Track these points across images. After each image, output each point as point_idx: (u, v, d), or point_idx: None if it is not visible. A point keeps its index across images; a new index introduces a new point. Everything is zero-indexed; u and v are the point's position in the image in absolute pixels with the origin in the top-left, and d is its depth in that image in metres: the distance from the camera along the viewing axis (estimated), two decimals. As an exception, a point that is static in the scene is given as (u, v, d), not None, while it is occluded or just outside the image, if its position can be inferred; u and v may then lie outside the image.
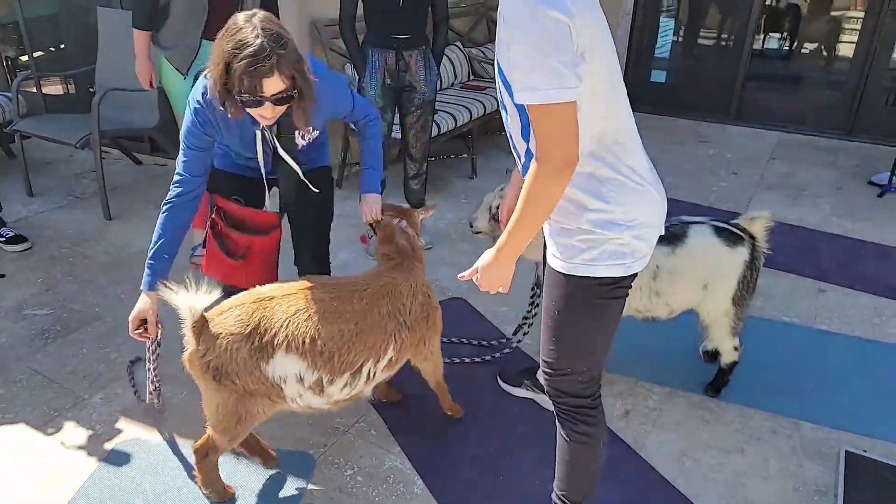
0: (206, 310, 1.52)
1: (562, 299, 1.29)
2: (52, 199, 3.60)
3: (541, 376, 2.07)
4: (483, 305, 2.61)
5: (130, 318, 1.70)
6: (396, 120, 3.00)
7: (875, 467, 1.85)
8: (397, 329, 1.67)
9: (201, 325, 1.50)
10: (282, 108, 1.59)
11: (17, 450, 1.89)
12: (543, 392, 2.07)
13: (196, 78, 1.78)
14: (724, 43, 5.21)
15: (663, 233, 1.32)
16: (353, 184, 3.72)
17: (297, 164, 1.84)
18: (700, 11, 5.25)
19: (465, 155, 4.10)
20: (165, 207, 1.72)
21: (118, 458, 1.87)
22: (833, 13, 4.90)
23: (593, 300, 1.28)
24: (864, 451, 1.91)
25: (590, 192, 1.20)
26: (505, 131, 1.31)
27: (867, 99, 4.69)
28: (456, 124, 3.69)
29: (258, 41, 1.45)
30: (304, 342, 1.52)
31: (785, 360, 2.32)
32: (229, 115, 1.58)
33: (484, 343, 2.40)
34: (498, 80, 1.21)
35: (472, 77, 4.57)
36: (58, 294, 2.68)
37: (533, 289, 2.23)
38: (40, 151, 4.12)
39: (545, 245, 1.36)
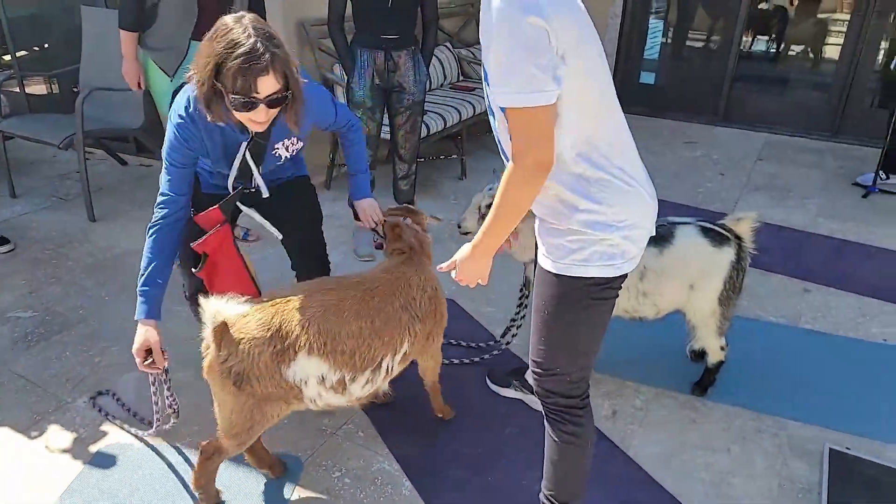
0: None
1: (552, 299, 1.30)
2: (36, 201, 3.55)
3: (529, 377, 2.09)
4: (472, 307, 2.61)
5: (134, 350, 1.62)
6: (385, 121, 3.00)
7: (859, 464, 1.87)
8: (411, 322, 1.68)
9: (223, 330, 1.48)
10: (274, 112, 1.57)
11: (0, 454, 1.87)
12: (532, 392, 2.08)
13: (180, 87, 1.74)
14: (712, 45, 5.25)
15: (654, 234, 1.32)
16: (341, 184, 3.71)
17: (277, 176, 1.82)
18: (688, 13, 5.29)
19: (455, 156, 4.10)
20: (153, 230, 1.66)
21: (102, 461, 1.84)
22: (819, 15, 4.96)
23: (584, 300, 1.28)
24: (848, 448, 1.93)
25: (580, 193, 1.21)
26: (493, 132, 1.31)
27: (853, 100, 4.74)
28: (445, 125, 3.69)
29: (251, 40, 1.44)
30: (325, 343, 1.52)
31: (771, 359, 2.34)
32: (209, 117, 1.54)
33: (472, 345, 2.40)
34: (484, 82, 1.22)
35: (461, 78, 4.58)
36: (41, 296, 2.65)
37: (521, 290, 2.23)
38: (23, 152, 4.07)
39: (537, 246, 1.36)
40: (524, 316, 2.24)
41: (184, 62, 2.58)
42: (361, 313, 1.59)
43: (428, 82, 2.98)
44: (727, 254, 1.92)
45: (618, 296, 1.33)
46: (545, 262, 1.30)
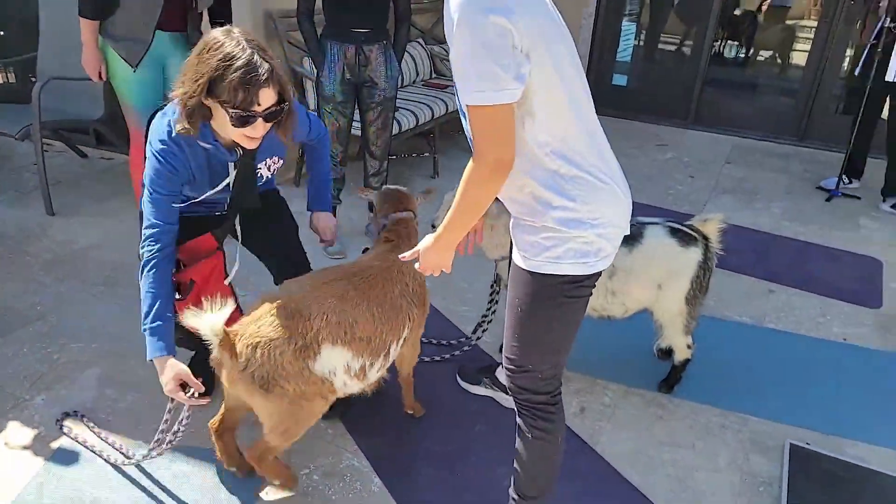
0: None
1: (526, 296, 1.30)
2: (-7, 193, 3.43)
3: (500, 374, 2.09)
4: (444, 305, 2.60)
5: (170, 391, 1.54)
6: (356, 116, 2.97)
7: (818, 459, 1.92)
8: (409, 307, 1.71)
9: (231, 341, 1.46)
10: (268, 126, 1.54)
11: (-52, 455, 1.79)
12: (502, 390, 2.08)
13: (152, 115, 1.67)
14: (684, 48, 5.34)
15: (627, 232, 1.33)
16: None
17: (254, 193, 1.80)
18: (661, 16, 5.38)
19: (427, 154, 4.09)
20: (150, 266, 1.57)
21: (64, 458, 1.79)
22: (788, 21, 5.08)
23: (557, 298, 1.28)
24: (808, 443, 1.98)
25: (555, 190, 1.21)
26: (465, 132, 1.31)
27: (818, 106, 4.88)
28: (417, 122, 3.67)
29: (247, 52, 1.42)
30: (345, 332, 1.54)
31: (735, 357, 2.39)
32: (179, 127, 1.49)
33: (444, 342, 2.39)
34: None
35: (434, 75, 4.56)
36: (-3, 291, 2.56)
37: (492, 287, 2.23)
38: (-21, 143, 3.93)
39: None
40: (495, 312, 2.25)
41: (147, 53, 2.51)
42: (370, 300, 1.61)
43: (400, 78, 2.96)
44: (695, 254, 1.95)
45: (591, 294, 1.33)
46: (519, 260, 1.30)
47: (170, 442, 1.64)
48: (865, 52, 3.75)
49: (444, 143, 4.35)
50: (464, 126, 1.29)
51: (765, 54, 5.30)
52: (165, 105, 1.61)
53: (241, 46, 1.42)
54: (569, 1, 0.99)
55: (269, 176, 1.83)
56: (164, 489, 1.72)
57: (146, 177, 1.59)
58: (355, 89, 2.85)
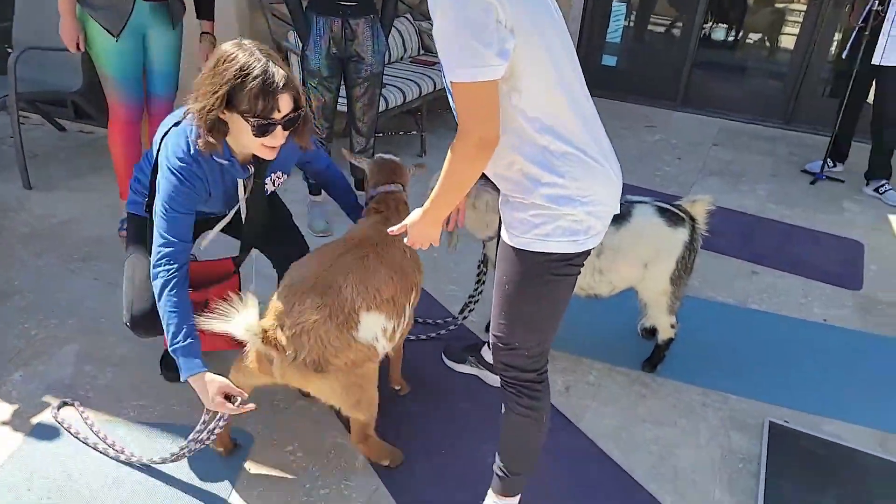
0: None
1: (514, 274, 1.29)
2: (-32, 166, 3.33)
3: (486, 353, 2.09)
4: (432, 286, 2.59)
5: (216, 405, 1.50)
6: (342, 92, 2.91)
7: (796, 437, 1.95)
8: (413, 272, 1.74)
9: (272, 335, 1.46)
10: (286, 135, 1.53)
11: (-78, 432, 1.76)
12: (487, 368, 2.08)
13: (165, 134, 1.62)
14: (673, 30, 5.31)
15: (617, 212, 1.32)
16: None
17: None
18: (651, -3, 5.32)
19: (415, 132, 4.04)
20: (170, 287, 1.52)
21: (42, 434, 1.77)
22: (777, 4, 5.07)
23: (545, 276, 1.27)
24: (786, 421, 2.01)
25: (543, 166, 1.19)
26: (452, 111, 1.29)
27: (806, 89, 4.88)
28: (405, 99, 3.62)
29: (261, 62, 1.42)
30: (374, 296, 1.58)
31: (718, 337, 2.41)
32: (202, 144, 1.47)
33: (430, 321, 2.38)
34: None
35: (422, 52, 4.49)
36: (-28, 266, 2.50)
37: (479, 266, 2.22)
38: (-46, 114, 3.80)
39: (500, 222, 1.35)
40: (482, 292, 2.24)
41: (128, 22, 2.43)
42: (384, 263, 1.64)
43: (387, 54, 2.90)
44: (681, 234, 1.95)
45: (580, 273, 1.33)
46: (507, 237, 1.29)
47: (191, 450, 1.63)
48: (853, 34, 3.75)
49: (432, 121, 4.31)
50: (451, 105, 1.27)
51: (754, 37, 5.29)
52: (180, 122, 1.58)
53: (254, 56, 1.43)
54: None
55: (273, 190, 1.84)
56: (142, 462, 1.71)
57: (162, 194, 1.55)
58: (341, 64, 2.79)
